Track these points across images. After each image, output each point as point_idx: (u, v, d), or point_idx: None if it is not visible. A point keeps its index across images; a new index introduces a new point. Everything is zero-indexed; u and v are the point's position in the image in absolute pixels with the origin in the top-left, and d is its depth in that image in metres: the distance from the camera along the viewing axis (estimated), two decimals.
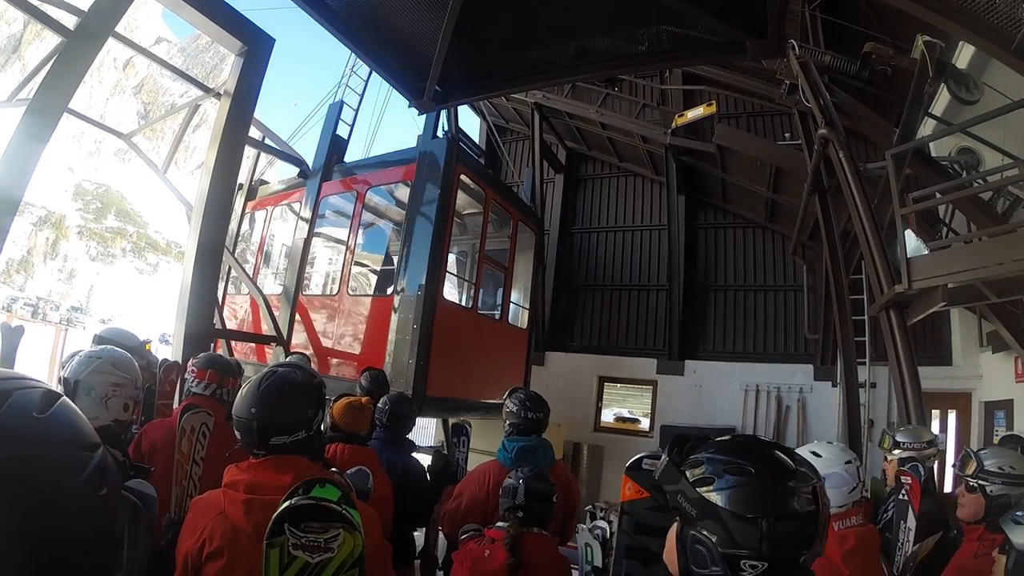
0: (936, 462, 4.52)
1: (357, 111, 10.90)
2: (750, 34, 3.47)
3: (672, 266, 13.40)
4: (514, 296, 11.10)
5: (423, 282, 8.04)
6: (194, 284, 4.99)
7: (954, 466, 3.44)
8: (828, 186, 8.65)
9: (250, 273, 10.45)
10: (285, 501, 1.84)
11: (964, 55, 7.79)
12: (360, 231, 10.03)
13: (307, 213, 9.66)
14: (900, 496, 3.33)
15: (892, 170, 6.69)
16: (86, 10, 4.87)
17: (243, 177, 11.36)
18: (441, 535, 4.25)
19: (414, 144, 9.17)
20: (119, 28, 5.18)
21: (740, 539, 1.23)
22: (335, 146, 10.26)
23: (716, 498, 1.27)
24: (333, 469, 2.48)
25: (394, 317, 8.14)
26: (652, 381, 13.19)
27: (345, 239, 10.03)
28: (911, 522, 3.17)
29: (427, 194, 8.54)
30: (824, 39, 9.58)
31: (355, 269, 9.80)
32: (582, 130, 14.34)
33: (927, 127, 8.66)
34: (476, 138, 14.91)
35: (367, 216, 10.55)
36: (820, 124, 7.67)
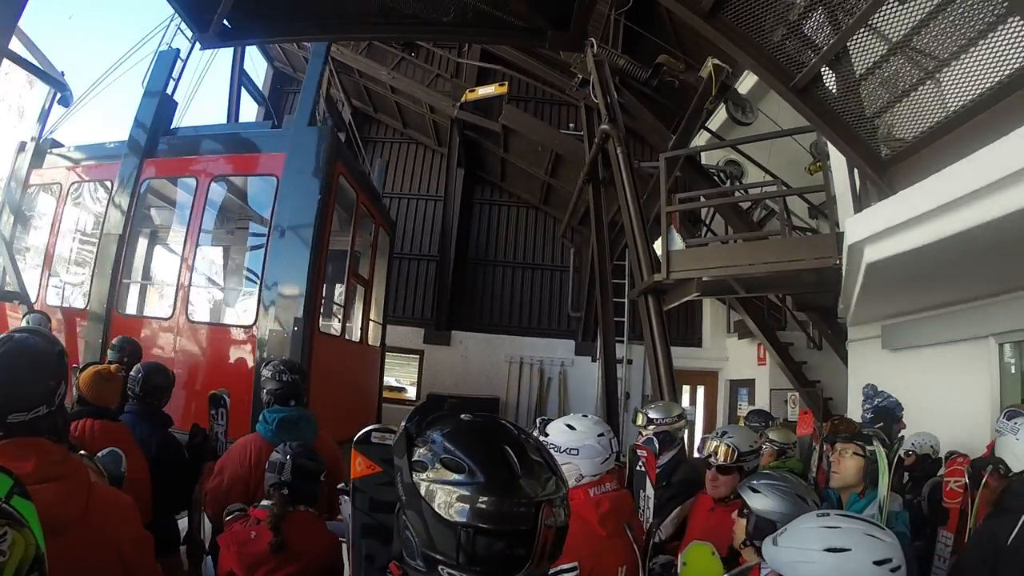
0: (686, 432, 4.92)
1: (185, 63, 8.50)
2: (554, 24, 3.49)
3: (445, 237, 13.47)
4: (372, 311, 9.76)
5: (300, 314, 6.51)
6: None
7: (702, 453, 3.76)
8: (603, 177, 9.13)
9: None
10: None
11: (747, 83, 8.68)
12: (202, 233, 7.67)
13: (123, 199, 7.51)
14: (638, 468, 3.57)
15: (664, 171, 7.22)
16: None
17: (26, 131, 8.85)
18: (205, 517, 3.88)
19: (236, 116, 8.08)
20: None
21: (438, 542, 1.08)
22: (163, 111, 7.99)
23: (424, 489, 1.10)
24: (81, 452, 2.17)
25: (260, 358, 6.42)
26: (419, 351, 13.26)
27: (181, 243, 7.66)
28: (649, 491, 3.44)
29: (303, 198, 6.94)
30: (623, 43, 10.11)
31: (197, 286, 7.63)
32: (371, 90, 13.93)
33: (701, 138, 9.50)
34: (260, 84, 13.92)
35: (212, 214, 8.05)
36: (604, 120, 8.02)
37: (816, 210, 8.70)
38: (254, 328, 6.71)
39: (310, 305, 6.63)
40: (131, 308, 7.90)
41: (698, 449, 4.38)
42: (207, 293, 7.94)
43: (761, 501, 2.38)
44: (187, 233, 7.49)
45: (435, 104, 12.43)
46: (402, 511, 1.15)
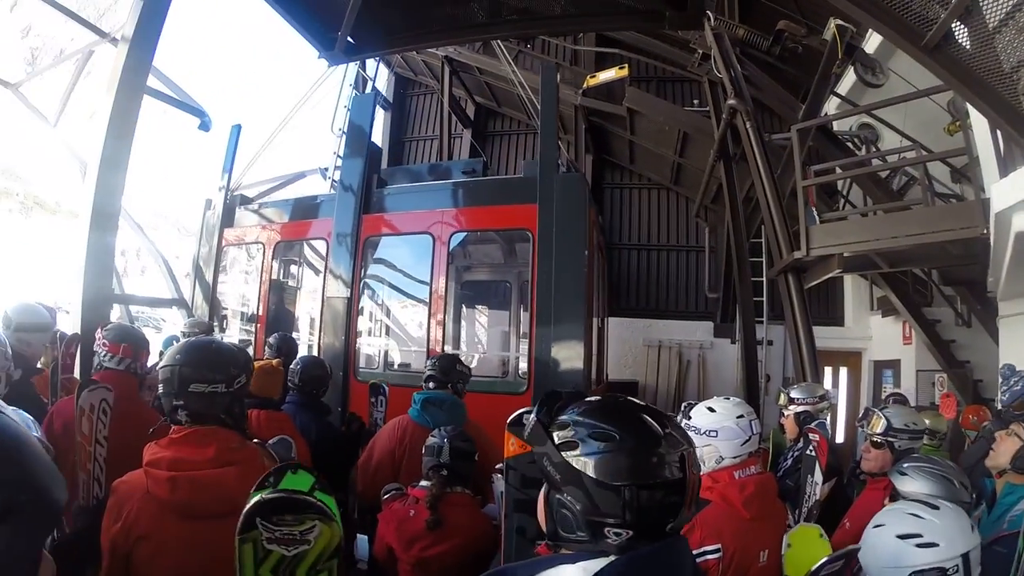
0: (829, 415, 4.81)
1: (375, 104, 8.24)
2: (669, 4, 3.46)
3: None
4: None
5: (580, 381, 6.12)
6: (90, 247, 4.63)
7: (860, 424, 3.71)
8: (733, 154, 8.87)
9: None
10: (255, 494, 1.81)
11: (873, 40, 8.10)
12: (448, 293, 7.19)
13: (343, 260, 7.14)
14: (808, 452, 3.54)
15: (796, 144, 6.98)
16: None
17: (210, 187, 8.81)
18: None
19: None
20: None
21: (603, 506, 1.22)
22: (371, 160, 7.65)
23: (580, 464, 1.25)
24: (255, 440, 2.46)
25: None
26: None
27: (422, 303, 7.26)
28: (818, 476, 3.41)
29: (567, 254, 6.45)
30: (740, 12, 9.78)
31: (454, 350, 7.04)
32: (492, 86, 14.06)
33: (831, 104, 9.02)
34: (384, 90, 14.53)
35: (454, 272, 7.60)
36: (729, 95, 7.81)
37: (959, 174, 8.07)
38: (527, 395, 6.31)
39: (588, 369, 6.36)
40: (372, 373, 7.27)
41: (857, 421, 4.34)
42: (464, 357, 7.16)
43: (909, 484, 2.39)
44: (431, 293, 7.11)
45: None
46: (554, 492, 1.31)
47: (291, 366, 4.56)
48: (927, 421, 4.69)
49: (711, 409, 2.73)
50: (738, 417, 2.68)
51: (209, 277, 8.13)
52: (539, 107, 7.65)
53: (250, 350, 7.49)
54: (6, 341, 2.98)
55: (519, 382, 6.89)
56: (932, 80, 4.42)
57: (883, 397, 8.56)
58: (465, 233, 7.50)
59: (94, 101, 5.09)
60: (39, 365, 4.14)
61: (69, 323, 4.64)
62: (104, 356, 3.49)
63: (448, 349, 7.11)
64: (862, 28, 7.30)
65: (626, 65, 11.05)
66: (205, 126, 8.35)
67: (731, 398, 2.87)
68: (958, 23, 3.52)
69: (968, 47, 3.59)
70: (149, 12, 4.98)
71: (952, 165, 7.97)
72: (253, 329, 8.24)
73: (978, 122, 5.55)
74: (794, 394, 4.53)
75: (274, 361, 4.26)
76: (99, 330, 3.63)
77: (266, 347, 5.72)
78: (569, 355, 6.32)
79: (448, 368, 4.38)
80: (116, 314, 6.39)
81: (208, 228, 8.46)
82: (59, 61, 7.64)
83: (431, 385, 4.28)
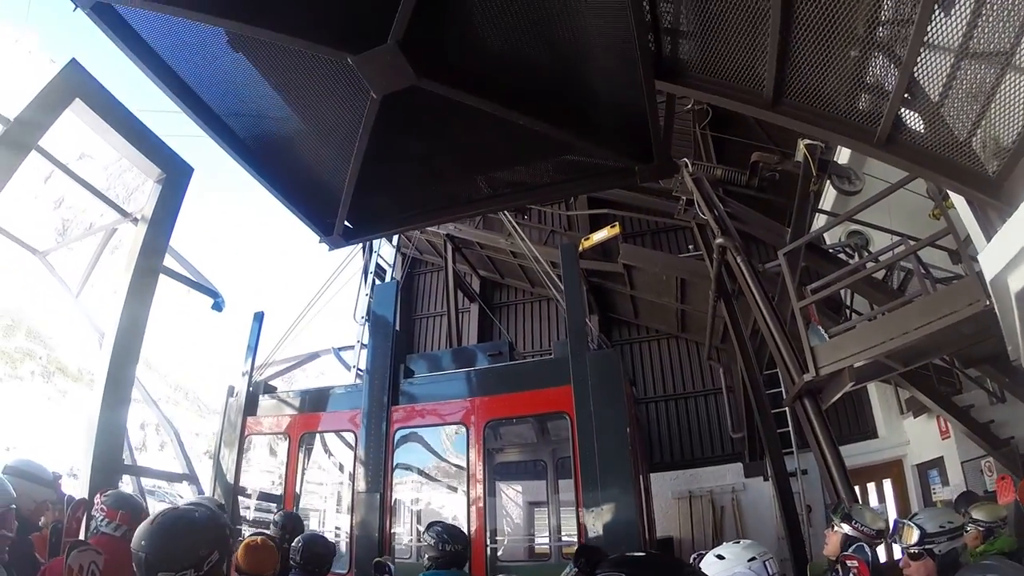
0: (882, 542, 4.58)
1: (398, 293, 8.27)
2: (638, 160, 3.71)
3: None
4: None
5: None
6: (103, 416, 4.69)
7: (892, 539, 3.59)
8: (732, 290, 8.98)
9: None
10: None
11: (845, 150, 8.43)
12: (489, 481, 7.10)
13: (374, 454, 7.06)
14: None
15: (786, 269, 7.09)
16: (11, 120, 4.86)
17: (231, 367, 8.89)
18: None
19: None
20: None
21: None
22: (397, 350, 7.74)
23: None
24: None
25: None
26: None
27: (461, 493, 7.14)
28: None
29: (609, 433, 6.42)
30: (715, 153, 10.31)
31: (503, 538, 7.00)
32: (494, 259, 14.66)
33: (819, 221, 9.25)
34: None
35: (491, 460, 7.51)
36: (717, 234, 8.05)
37: (955, 254, 8.09)
38: None
39: (642, 543, 6.33)
40: (408, 565, 7.11)
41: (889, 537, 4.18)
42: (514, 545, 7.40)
43: None
44: (468, 480, 6.97)
45: (556, 259, 12.87)
46: None
47: (293, 544, 4.46)
48: (976, 514, 4.46)
49: (720, 556, 2.72)
50: (749, 560, 2.67)
51: (230, 464, 7.87)
52: (559, 283, 8.34)
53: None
54: (8, 493, 3.00)
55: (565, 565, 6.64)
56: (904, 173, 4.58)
57: (935, 499, 8.11)
58: (501, 421, 7.45)
59: (116, 276, 5.35)
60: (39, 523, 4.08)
61: (77, 488, 4.60)
62: (101, 521, 3.51)
63: (488, 536, 6.86)
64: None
65: (616, 223, 11.56)
66: (218, 306, 8.48)
67: (741, 541, 2.89)
68: (905, 109, 3.70)
69: (920, 129, 3.75)
70: (167, 198, 5.35)
71: (946, 248, 7.97)
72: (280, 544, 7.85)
73: (957, 197, 5.42)
74: (854, 514, 4.36)
75: (259, 538, 4.17)
76: (98, 495, 3.64)
77: (271, 524, 5.63)
78: (621, 532, 6.09)
79: (455, 537, 4.27)
80: (129, 487, 6.32)
81: (231, 415, 8.35)
82: (87, 234, 7.93)
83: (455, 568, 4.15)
